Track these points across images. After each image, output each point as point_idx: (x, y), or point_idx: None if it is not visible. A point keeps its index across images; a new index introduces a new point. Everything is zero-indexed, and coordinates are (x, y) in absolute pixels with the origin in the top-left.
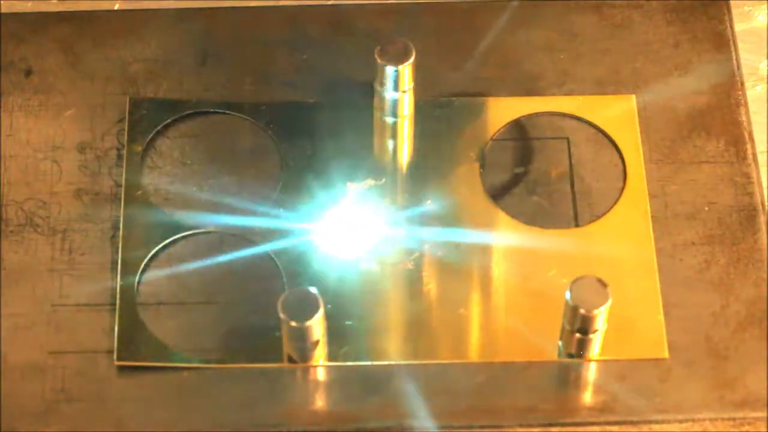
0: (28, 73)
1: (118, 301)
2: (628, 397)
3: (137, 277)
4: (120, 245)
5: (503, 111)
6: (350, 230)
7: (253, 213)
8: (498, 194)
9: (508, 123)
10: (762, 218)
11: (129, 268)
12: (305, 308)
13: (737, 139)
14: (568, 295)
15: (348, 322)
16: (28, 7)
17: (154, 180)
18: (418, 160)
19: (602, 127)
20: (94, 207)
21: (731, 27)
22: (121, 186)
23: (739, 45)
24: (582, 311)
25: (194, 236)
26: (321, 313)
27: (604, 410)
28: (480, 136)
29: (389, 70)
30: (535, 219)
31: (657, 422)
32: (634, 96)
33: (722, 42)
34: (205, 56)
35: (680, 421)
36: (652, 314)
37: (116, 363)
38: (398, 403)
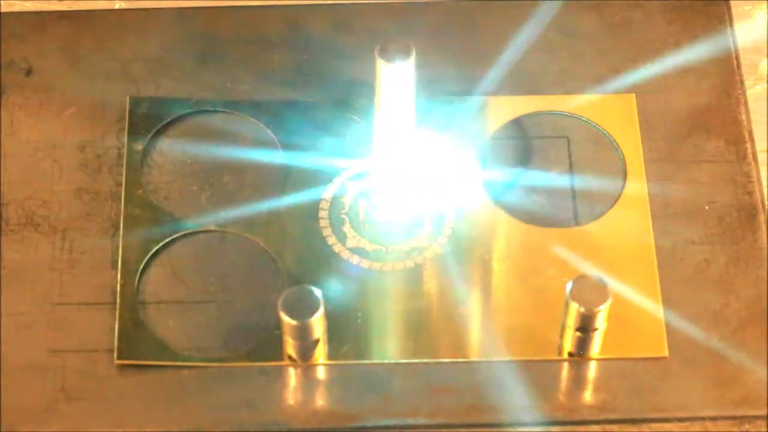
0: (29, 72)
1: (118, 300)
2: (628, 396)
3: (137, 277)
4: (120, 244)
5: (503, 110)
6: (350, 230)
7: (253, 212)
8: (498, 193)
9: (508, 122)
10: (762, 217)
11: (129, 267)
12: (305, 307)
13: (737, 139)
14: (568, 294)
15: (348, 322)
16: (28, 6)
17: (154, 179)
18: (418, 160)
19: (602, 126)
20: (94, 206)
21: (731, 27)
22: (121, 185)
23: (739, 45)
24: (582, 310)
25: (194, 236)
26: (321, 311)
27: (604, 409)
28: (480, 135)
29: (389, 70)
30: (535, 218)
31: (657, 421)
32: (634, 96)
33: (722, 42)
34: (205, 56)
35: (680, 420)
36: (652, 313)
37: (117, 362)
38: (398, 402)
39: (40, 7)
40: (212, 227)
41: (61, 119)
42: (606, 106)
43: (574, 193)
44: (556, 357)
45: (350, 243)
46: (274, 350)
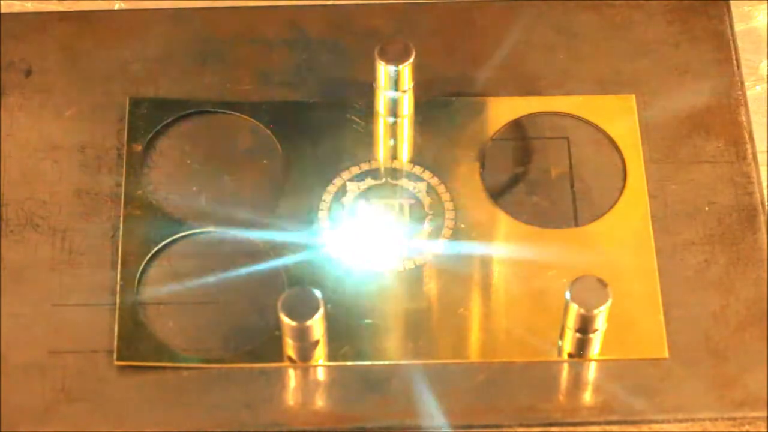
0: (28, 73)
1: (118, 301)
2: (628, 397)
3: (137, 277)
4: (120, 245)
5: (503, 111)
6: (350, 230)
7: (253, 213)
8: (498, 194)
9: (508, 123)
10: (762, 218)
11: (129, 268)
12: (305, 308)
13: (737, 139)
14: (568, 294)
15: (348, 323)
16: (28, 7)
17: (154, 180)
18: (418, 160)
19: (602, 127)
20: (94, 207)
21: (731, 27)
22: (121, 186)
23: (739, 45)
24: (582, 311)
25: (194, 236)
26: (321, 312)
27: (604, 410)
28: (480, 135)
29: (389, 70)
30: (535, 219)
31: (657, 422)
32: (634, 96)
33: (722, 42)
34: (205, 56)
35: (680, 421)
36: (652, 314)
37: (116, 363)
38: (398, 403)
39: (40, 7)
40: (212, 227)
41: (61, 119)
42: (606, 107)
43: (574, 193)
44: (556, 358)
45: (350, 244)
46: (274, 351)
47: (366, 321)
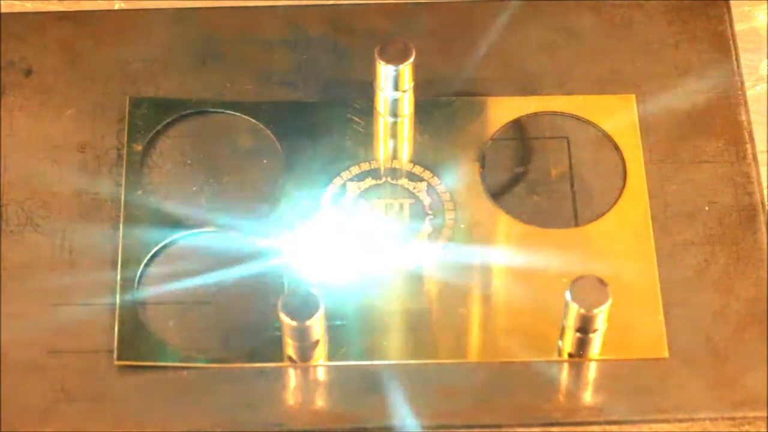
0: (28, 73)
1: (118, 301)
2: (628, 397)
3: (137, 277)
4: (120, 245)
5: (503, 111)
6: (350, 230)
7: (253, 213)
8: (498, 194)
9: (508, 123)
10: (762, 218)
11: (129, 268)
12: (305, 308)
13: (737, 139)
14: (568, 294)
15: (347, 323)
16: (28, 7)
17: (154, 180)
18: (418, 160)
19: (602, 127)
20: (94, 206)
21: (731, 27)
22: (121, 186)
23: (739, 45)
24: (582, 311)
25: (194, 236)
26: (321, 312)
27: (604, 410)
28: (480, 135)
29: (389, 70)
30: (535, 218)
31: (657, 422)
32: (634, 96)
33: (722, 42)
34: (205, 56)
35: (680, 421)
36: (652, 314)
37: (116, 363)
38: (398, 403)
39: (40, 7)
40: (212, 228)
41: (61, 120)
42: (606, 107)
43: (574, 194)
44: (556, 358)
45: (350, 244)
46: (274, 351)
47: (366, 321)
